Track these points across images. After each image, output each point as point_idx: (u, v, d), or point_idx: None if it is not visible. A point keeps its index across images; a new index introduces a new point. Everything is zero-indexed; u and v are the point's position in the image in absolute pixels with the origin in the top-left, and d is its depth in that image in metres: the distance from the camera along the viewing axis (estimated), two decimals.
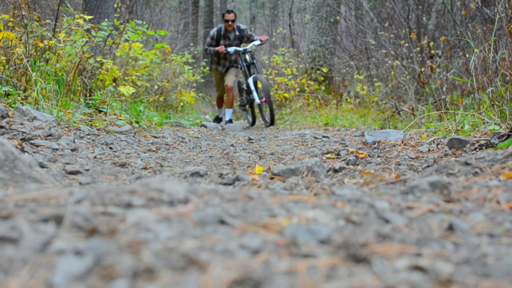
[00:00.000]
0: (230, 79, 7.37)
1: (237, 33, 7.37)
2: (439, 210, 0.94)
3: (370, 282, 0.57)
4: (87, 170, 1.79)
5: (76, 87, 3.70)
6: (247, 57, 6.94)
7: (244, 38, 7.42)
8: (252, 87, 6.65)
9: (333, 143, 3.11)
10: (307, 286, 0.55)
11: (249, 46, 6.88)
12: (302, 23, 13.27)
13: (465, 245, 0.74)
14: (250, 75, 6.88)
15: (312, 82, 8.72)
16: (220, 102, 7.88)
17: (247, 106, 7.64)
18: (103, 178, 1.68)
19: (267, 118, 6.62)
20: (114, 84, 3.99)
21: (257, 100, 6.48)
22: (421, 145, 2.38)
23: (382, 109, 6.15)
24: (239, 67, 7.41)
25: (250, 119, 7.37)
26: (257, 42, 6.87)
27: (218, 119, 7.95)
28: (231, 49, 6.88)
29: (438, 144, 2.36)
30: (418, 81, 5.35)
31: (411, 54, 6.45)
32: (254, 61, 7.04)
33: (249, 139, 3.48)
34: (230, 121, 7.34)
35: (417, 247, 0.70)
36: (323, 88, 8.71)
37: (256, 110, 8.21)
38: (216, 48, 7.10)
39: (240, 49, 6.93)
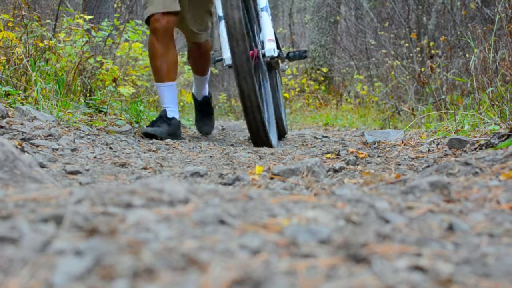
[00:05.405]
0: None
1: None
2: (439, 210, 0.94)
3: (370, 282, 0.56)
4: (87, 170, 1.79)
5: (76, 87, 3.70)
6: None
7: None
8: (219, 10, 2.63)
9: (333, 143, 3.11)
10: (307, 286, 0.55)
11: None
12: (302, 23, 13.27)
13: (465, 245, 0.74)
14: None
15: (312, 82, 8.73)
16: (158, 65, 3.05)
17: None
18: (103, 178, 1.68)
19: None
20: (114, 84, 3.99)
21: (226, 57, 2.68)
22: (421, 145, 2.38)
23: (382, 109, 6.15)
24: None
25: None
26: None
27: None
28: None
29: (438, 144, 2.36)
30: (418, 81, 5.35)
31: (411, 54, 6.45)
32: None
33: (249, 139, 3.47)
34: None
35: (417, 247, 0.70)
36: (323, 88, 8.71)
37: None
38: None
39: None
